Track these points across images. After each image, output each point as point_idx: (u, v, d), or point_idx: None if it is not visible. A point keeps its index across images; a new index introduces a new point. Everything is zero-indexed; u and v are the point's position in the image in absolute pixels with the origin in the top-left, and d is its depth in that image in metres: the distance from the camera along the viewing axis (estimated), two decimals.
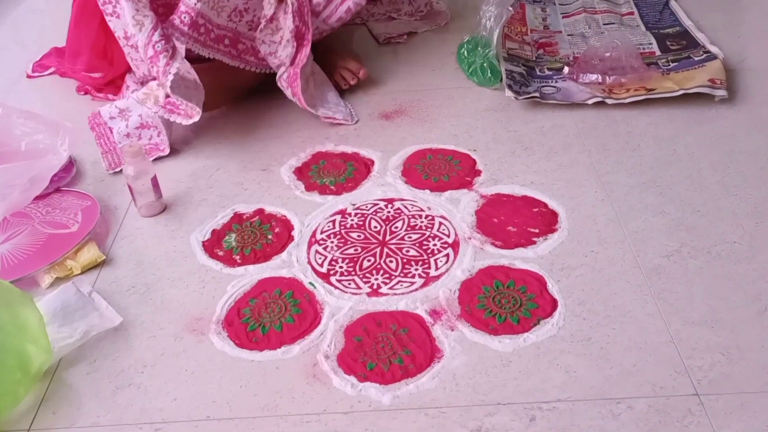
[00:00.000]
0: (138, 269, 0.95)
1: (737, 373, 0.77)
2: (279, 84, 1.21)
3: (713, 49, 1.32)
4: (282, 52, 1.19)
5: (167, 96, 1.13)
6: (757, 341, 0.80)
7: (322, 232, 0.99)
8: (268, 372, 0.80)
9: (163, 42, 1.08)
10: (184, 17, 1.11)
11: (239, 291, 0.90)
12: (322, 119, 1.21)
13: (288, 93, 1.21)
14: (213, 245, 0.98)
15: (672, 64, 1.30)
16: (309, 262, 0.94)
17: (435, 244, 0.96)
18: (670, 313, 0.84)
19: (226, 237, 0.99)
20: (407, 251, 0.95)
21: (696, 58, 1.30)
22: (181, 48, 1.12)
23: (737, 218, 0.97)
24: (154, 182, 1.03)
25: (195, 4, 1.11)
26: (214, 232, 1.00)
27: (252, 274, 0.93)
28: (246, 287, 0.91)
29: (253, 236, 0.99)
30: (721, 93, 1.20)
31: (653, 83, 1.24)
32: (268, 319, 0.86)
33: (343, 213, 1.02)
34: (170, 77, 1.08)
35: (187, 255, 0.97)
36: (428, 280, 0.90)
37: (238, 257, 0.96)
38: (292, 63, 1.19)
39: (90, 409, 0.78)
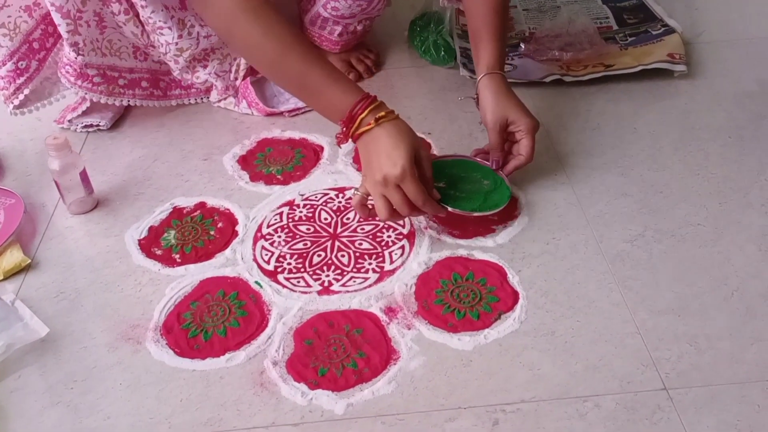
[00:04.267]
0: (67, 273, 0.88)
1: (706, 364, 0.73)
2: (219, 104, 1.16)
3: (671, 22, 1.28)
4: (233, 75, 1.15)
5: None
6: (725, 329, 0.77)
7: (268, 226, 0.92)
8: (211, 382, 0.74)
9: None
10: (67, 69, 1.03)
11: (179, 294, 0.84)
12: (287, 115, 1.13)
13: (242, 107, 1.14)
14: (150, 243, 0.91)
15: (630, 39, 1.26)
16: (255, 260, 0.88)
17: (389, 236, 0.90)
18: (636, 302, 0.80)
19: (165, 234, 0.92)
20: (360, 244, 0.89)
21: (654, 32, 1.26)
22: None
23: (701, 198, 0.94)
24: (84, 176, 0.94)
25: (76, 58, 1.01)
26: (151, 229, 0.93)
27: (193, 274, 0.86)
28: (187, 289, 0.84)
29: (194, 232, 0.92)
30: (680, 68, 1.17)
31: (611, 59, 1.20)
32: (211, 324, 0.80)
33: (290, 204, 0.96)
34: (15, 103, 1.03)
35: (121, 255, 0.90)
36: (383, 275, 0.85)
37: (177, 256, 0.89)
38: (244, 77, 1.15)
39: (15, 431, 0.71)
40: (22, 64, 1.01)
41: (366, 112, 0.83)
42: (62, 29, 0.98)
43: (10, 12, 0.98)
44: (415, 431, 0.69)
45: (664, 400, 0.70)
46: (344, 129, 0.85)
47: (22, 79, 1.02)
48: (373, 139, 0.83)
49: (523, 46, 1.25)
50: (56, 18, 0.97)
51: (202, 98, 1.17)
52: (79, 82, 1.04)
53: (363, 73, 1.22)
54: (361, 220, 0.92)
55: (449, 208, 0.87)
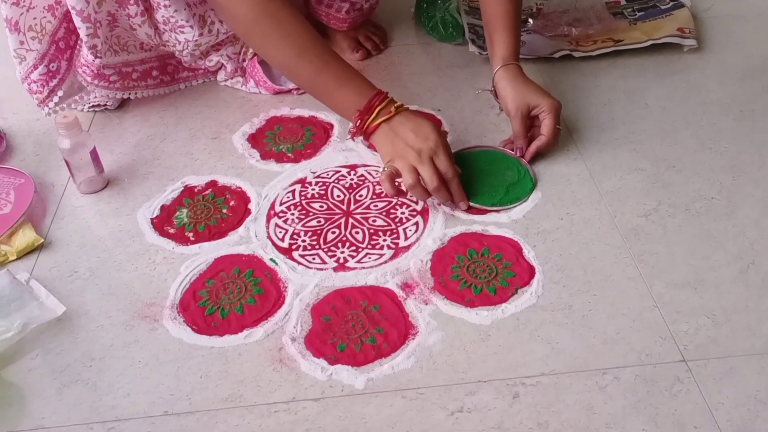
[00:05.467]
0: (80, 252, 0.87)
1: (724, 336, 0.74)
2: (226, 83, 1.14)
3: None
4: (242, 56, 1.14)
5: None
6: (742, 301, 0.77)
7: (281, 204, 0.92)
8: (229, 359, 0.74)
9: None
10: (84, 69, 1.02)
11: (194, 271, 0.83)
12: (295, 93, 1.12)
13: (249, 86, 1.13)
14: (163, 222, 0.90)
15: (639, 14, 1.25)
16: (269, 237, 0.87)
17: (403, 212, 0.90)
18: (652, 275, 0.80)
19: (177, 213, 0.91)
20: (374, 221, 0.89)
21: (663, 7, 1.25)
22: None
23: (714, 173, 0.94)
24: (94, 155, 0.94)
25: (94, 60, 1.00)
26: (163, 207, 0.93)
27: (207, 252, 0.86)
28: (201, 267, 0.84)
29: (207, 211, 0.92)
30: (690, 42, 1.16)
31: (621, 34, 1.20)
32: (228, 301, 0.79)
33: (302, 182, 0.95)
34: (50, 106, 1.02)
35: (134, 234, 0.89)
36: (398, 251, 0.85)
37: (191, 234, 0.88)
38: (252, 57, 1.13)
39: (34, 410, 0.70)
40: (53, 66, 1.00)
41: (384, 103, 0.90)
42: (82, 32, 0.96)
43: (36, 14, 0.97)
44: (435, 405, 0.69)
45: (683, 371, 0.70)
46: (359, 122, 0.89)
47: (54, 81, 1.01)
48: (397, 124, 0.89)
49: (531, 22, 1.24)
50: (77, 21, 0.95)
51: (209, 78, 1.15)
52: (96, 82, 1.03)
53: (371, 50, 1.21)
54: (384, 195, 0.92)
55: (470, 203, 0.88)
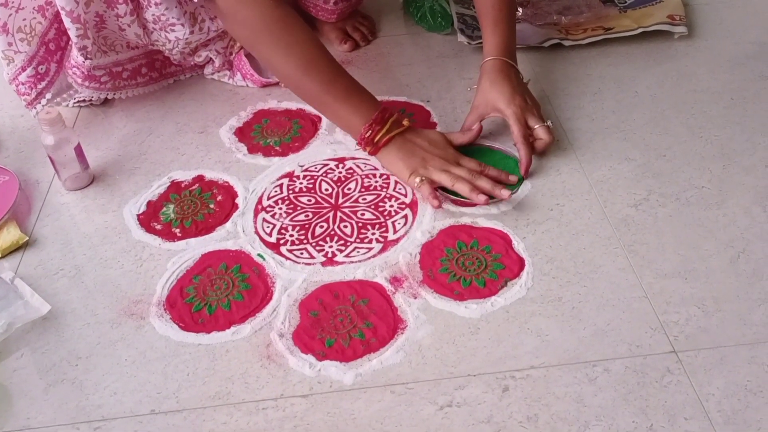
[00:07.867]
0: (66, 250, 0.86)
1: (714, 326, 0.73)
2: (213, 77, 1.13)
3: None
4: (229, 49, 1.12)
5: None
6: (732, 291, 0.77)
7: (268, 198, 0.91)
8: (217, 356, 0.73)
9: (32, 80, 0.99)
10: (75, 71, 1.00)
11: (181, 268, 0.82)
12: (283, 86, 1.10)
13: (237, 80, 1.11)
14: (149, 218, 0.89)
15: (629, 1, 1.24)
16: (256, 232, 0.86)
17: (392, 205, 0.89)
18: (642, 266, 0.80)
19: (164, 208, 0.91)
20: (362, 214, 0.88)
21: None
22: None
23: (704, 161, 0.93)
24: (78, 151, 0.93)
25: (84, 62, 0.98)
26: (149, 203, 0.92)
27: (194, 248, 0.85)
28: (188, 263, 0.83)
29: (194, 206, 0.91)
30: (680, 30, 1.15)
31: (611, 22, 1.19)
32: (215, 298, 0.79)
33: (290, 176, 0.94)
34: (38, 108, 1.01)
35: (120, 231, 0.88)
36: (387, 245, 0.84)
37: (177, 230, 0.87)
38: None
39: (19, 410, 0.70)
40: (42, 69, 0.99)
41: (395, 116, 0.90)
42: (72, 33, 0.95)
43: (25, 15, 0.95)
44: (424, 399, 0.68)
45: (673, 362, 0.70)
46: (369, 133, 0.88)
47: (43, 84, 1.00)
48: (412, 137, 0.90)
49: (520, 11, 1.22)
50: (67, 22, 0.94)
51: (196, 72, 1.14)
52: (86, 83, 1.02)
53: (359, 41, 1.20)
54: (373, 188, 0.91)
55: (460, 199, 0.88)
